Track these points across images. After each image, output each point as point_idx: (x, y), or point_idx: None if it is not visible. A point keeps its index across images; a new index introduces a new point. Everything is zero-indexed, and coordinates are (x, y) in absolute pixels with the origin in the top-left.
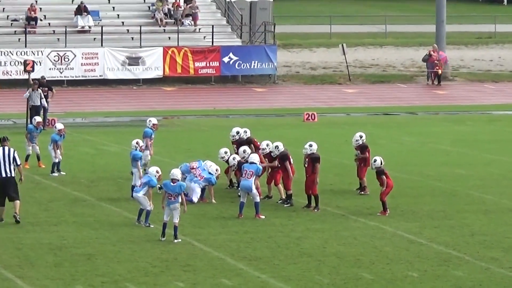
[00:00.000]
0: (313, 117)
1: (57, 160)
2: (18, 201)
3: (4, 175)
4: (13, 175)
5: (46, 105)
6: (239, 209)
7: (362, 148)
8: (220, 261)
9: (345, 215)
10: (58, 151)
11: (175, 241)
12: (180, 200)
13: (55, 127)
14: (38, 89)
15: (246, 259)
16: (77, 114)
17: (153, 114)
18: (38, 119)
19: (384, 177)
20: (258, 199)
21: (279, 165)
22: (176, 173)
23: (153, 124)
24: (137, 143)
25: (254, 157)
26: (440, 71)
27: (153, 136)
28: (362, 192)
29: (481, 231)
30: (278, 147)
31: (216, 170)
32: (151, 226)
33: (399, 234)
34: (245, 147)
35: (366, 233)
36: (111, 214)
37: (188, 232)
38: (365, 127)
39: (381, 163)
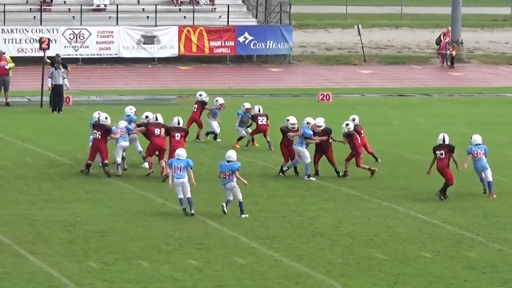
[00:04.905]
0: (327, 98)
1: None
2: None
3: None
4: None
5: (67, 84)
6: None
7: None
8: (233, 240)
9: (359, 195)
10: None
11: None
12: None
13: (216, 100)
14: (61, 67)
15: (259, 238)
16: (92, 92)
17: (168, 93)
18: (221, 100)
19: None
20: None
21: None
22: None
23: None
24: (130, 108)
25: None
26: (454, 53)
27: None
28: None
29: (494, 213)
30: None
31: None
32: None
33: (412, 215)
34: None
35: (379, 214)
36: (125, 192)
37: (202, 211)
38: (380, 108)
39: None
